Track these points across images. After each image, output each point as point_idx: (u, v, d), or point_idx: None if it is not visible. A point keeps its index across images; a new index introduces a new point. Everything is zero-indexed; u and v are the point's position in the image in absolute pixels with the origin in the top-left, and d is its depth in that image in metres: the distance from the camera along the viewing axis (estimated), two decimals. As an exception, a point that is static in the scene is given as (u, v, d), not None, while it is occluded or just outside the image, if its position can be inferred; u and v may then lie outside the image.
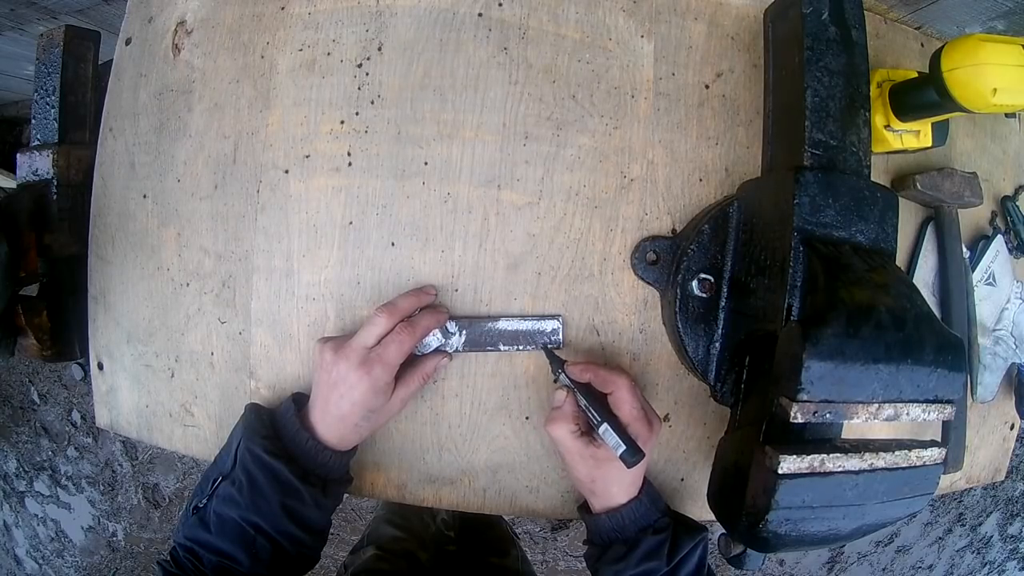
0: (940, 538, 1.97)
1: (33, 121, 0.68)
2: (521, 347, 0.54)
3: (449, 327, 0.53)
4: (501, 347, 0.54)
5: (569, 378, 0.50)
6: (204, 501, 0.48)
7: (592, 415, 0.48)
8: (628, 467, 0.45)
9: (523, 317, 0.54)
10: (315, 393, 0.50)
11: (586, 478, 0.49)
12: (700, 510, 0.58)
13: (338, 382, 0.48)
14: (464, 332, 0.53)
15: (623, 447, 0.45)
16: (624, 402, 0.47)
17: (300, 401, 0.52)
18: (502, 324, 0.53)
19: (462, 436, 0.56)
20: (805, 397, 0.37)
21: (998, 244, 0.66)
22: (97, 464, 1.95)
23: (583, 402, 0.49)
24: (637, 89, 0.55)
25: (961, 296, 0.63)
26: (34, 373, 1.99)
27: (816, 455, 0.38)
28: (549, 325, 0.54)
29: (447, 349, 0.53)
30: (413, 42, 0.54)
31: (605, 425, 0.46)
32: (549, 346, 0.53)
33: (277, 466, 0.47)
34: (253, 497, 0.47)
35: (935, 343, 0.40)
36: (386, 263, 0.54)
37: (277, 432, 0.49)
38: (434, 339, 0.52)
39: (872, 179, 0.47)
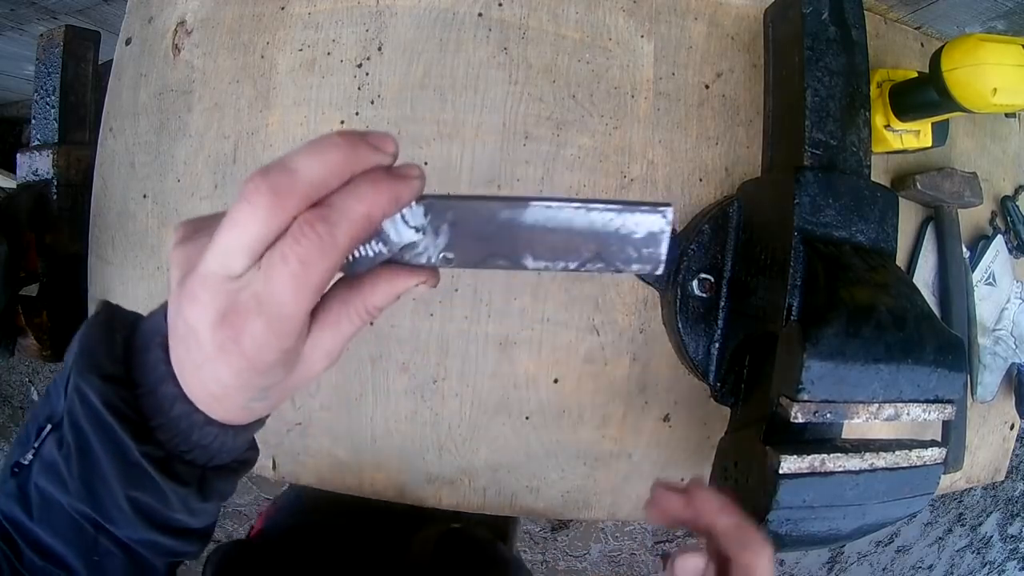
0: (940, 538, 1.97)
1: (33, 121, 0.69)
2: (573, 264, 0.26)
3: (409, 216, 0.25)
4: (530, 260, 0.26)
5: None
6: (29, 457, 0.28)
7: None
8: None
9: (585, 202, 0.25)
10: (170, 340, 0.26)
11: None
12: (700, 510, 0.58)
13: (188, 341, 0.25)
14: (445, 227, 0.26)
15: None
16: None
17: None
18: (537, 214, 0.25)
19: (462, 436, 0.56)
20: (805, 397, 0.37)
21: (998, 244, 0.66)
22: (97, 464, 1.95)
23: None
24: (637, 89, 0.55)
25: (961, 296, 0.63)
26: (34, 373, 1.99)
27: (816, 455, 0.38)
28: (644, 222, 0.26)
29: (411, 256, 0.26)
30: (413, 42, 0.54)
31: None
32: (635, 267, 0.26)
33: (123, 439, 0.26)
34: (86, 477, 0.27)
35: (935, 343, 0.40)
36: (386, 263, 0.54)
37: (131, 370, 0.27)
38: (379, 243, 0.26)
39: (872, 179, 0.47)
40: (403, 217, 0.25)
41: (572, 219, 0.26)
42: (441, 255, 0.26)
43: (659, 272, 0.27)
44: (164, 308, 0.27)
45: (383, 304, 0.27)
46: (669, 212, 0.26)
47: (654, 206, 0.26)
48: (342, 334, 0.27)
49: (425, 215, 0.26)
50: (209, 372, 0.25)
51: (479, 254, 0.26)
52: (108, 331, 0.28)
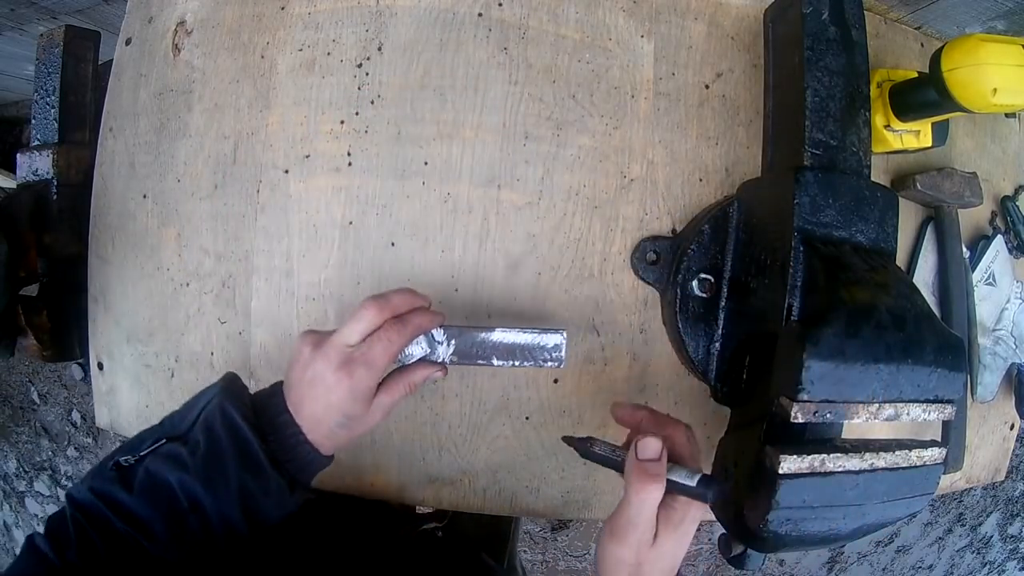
0: (940, 538, 1.97)
1: (33, 121, 0.69)
2: (517, 363, 0.47)
3: (436, 335, 0.47)
4: (495, 361, 0.47)
5: (601, 443, 0.43)
6: (133, 459, 0.40)
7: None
8: (707, 501, 0.38)
9: (521, 329, 0.47)
10: (287, 389, 0.44)
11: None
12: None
13: (315, 381, 0.42)
14: (453, 342, 0.47)
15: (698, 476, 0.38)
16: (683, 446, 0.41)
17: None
18: (497, 336, 0.47)
19: (462, 436, 0.56)
20: (805, 397, 0.37)
21: (998, 244, 0.66)
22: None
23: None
24: (637, 89, 0.55)
25: (961, 296, 0.63)
26: (34, 373, 1.99)
27: (816, 455, 0.38)
28: (551, 340, 0.47)
29: (433, 358, 0.47)
30: (413, 42, 0.54)
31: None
32: (550, 364, 0.47)
33: (251, 438, 0.40)
34: (208, 465, 0.39)
35: (935, 343, 0.40)
36: (386, 263, 0.54)
37: (256, 410, 0.43)
38: (418, 348, 0.46)
39: (872, 179, 0.47)
40: (432, 334, 0.47)
41: (516, 338, 0.47)
42: (450, 357, 0.47)
43: (561, 367, 0.48)
44: (269, 388, 0.45)
45: (418, 382, 0.47)
46: (564, 333, 0.47)
47: (556, 330, 0.48)
48: (394, 397, 0.45)
49: (444, 334, 0.47)
50: (323, 397, 0.42)
51: (468, 356, 0.48)
52: (241, 385, 0.45)
